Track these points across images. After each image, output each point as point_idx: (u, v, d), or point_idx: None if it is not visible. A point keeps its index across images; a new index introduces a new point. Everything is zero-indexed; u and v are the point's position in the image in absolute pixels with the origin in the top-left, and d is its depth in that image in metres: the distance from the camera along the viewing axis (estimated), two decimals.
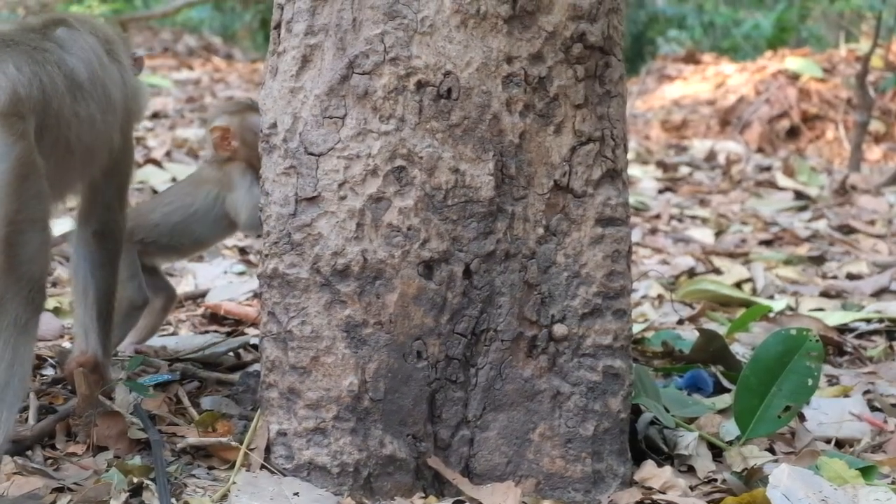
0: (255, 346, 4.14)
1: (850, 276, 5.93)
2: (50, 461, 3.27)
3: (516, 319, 3.32)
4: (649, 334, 4.59)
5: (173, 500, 3.09)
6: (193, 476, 3.25)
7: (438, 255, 3.28)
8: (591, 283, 3.35)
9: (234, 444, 3.36)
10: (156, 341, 4.15)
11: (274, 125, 3.36)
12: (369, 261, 3.27)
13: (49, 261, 2.95)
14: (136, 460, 3.24)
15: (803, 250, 6.38)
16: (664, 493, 3.30)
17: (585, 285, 3.35)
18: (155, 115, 8.64)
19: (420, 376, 3.30)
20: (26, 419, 3.38)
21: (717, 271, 5.82)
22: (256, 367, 3.65)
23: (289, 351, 3.32)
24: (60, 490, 3.11)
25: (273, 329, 3.35)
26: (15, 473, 3.12)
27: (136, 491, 3.10)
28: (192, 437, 3.39)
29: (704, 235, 6.59)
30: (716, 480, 3.40)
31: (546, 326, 3.34)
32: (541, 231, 3.33)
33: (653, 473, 3.38)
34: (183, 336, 4.31)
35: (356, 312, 3.28)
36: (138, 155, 7.20)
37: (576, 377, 3.36)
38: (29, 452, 3.26)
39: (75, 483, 3.14)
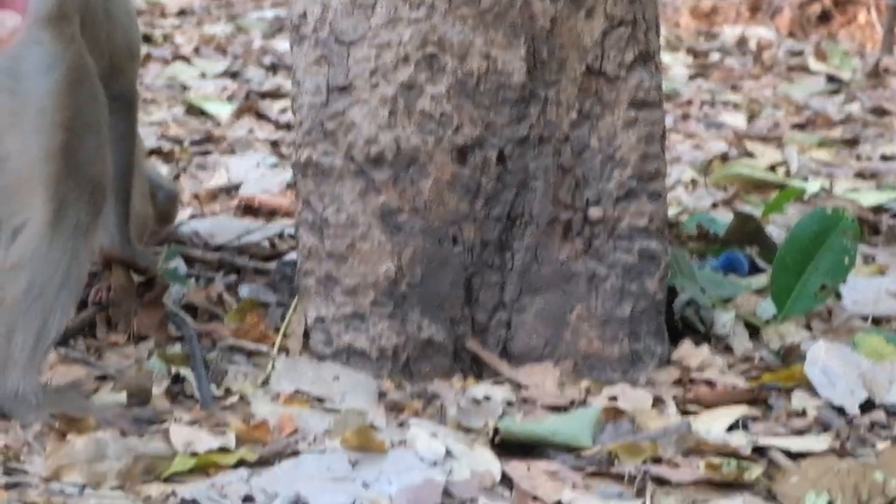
0: (290, 236, 4.15)
1: (884, 158, 5.88)
2: (91, 350, 3.31)
3: (551, 203, 3.33)
4: (684, 218, 4.58)
5: (214, 385, 3.12)
6: (234, 363, 3.28)
7: (472, 141, 3.28)
8: (626, 166, 3.34)
9: (272, 331, 3.39)
10: (188, 227, 4.16)
11: (304, 15, 3.35)
12: (403, 148, 3.27)
13: (108, 162, 2.95)
14: (177, 348, 3.27)
15: (836, 133, 6.33)
16: (702, 371, 3.32)
17: (620, 168, 3.35)
18: (182, 13, 8.61)
19: (456, 261, 3.31)
20: None
21: (750, 155, 5.79)
22: (293, 255, 3.67)
23: (325, 238, 3.33)
24: (103, 378, 3.15)
25: (309, 217, 3.36)
26: (58, 363, 3.15)
27: (178, 379, 3.13)
28: (232, 325, 3.41)
29: (737, 120, 6.54)
30: (753, 359, 3.41)
31: (581, 210, 3.34)
32: (574, 115, 3.32)
33: (690, 353, 3.40)
34: (218, 219, 4.33)
35: (391, 199, 3.28)
36: (166, 52, 7.18)
37: (612, 259, 3.36)
38: (71, 342, 3.30)
39: (117, 371, 3.18)
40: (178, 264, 3.76)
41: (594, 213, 3.35)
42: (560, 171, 3.33)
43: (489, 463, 2.80)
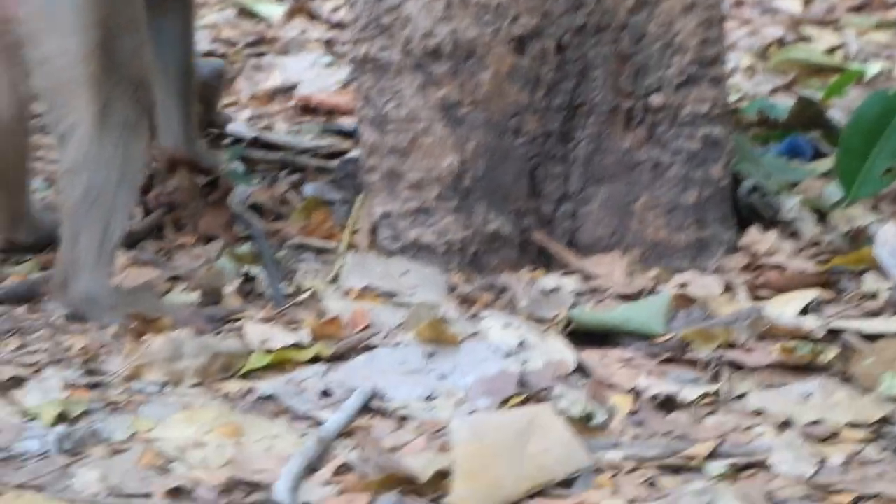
0: (350, 134, 4.14)
1: None
2: (161, 253, 3.32)
3: (611, 92, 3.30)
4: (743, 104, 4.54)
5: (284, 283, 3.13)
6: (303, 261, 3.29)
7: (529, 31, 3.25)
8: (686, 52, 3.31)
9: (338, 228, 3.39)
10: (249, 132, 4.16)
11: None
12: (460, 40, 3.25)
13: (149, 61, 2.94)
14: (245, 248, 3.28)
15: (894, 15, 6.25)
16: (770, 256, 3.30)
17: (679, 54, 3.31)
18: None
19: (519, 153, 3.30)
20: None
21: (807, 40, 5.72)
22: (355, 153, 3.66)
23: (387, 134, 3.32)
24: (174, 279, 3.16)
25: (369, 113, 3.35)
26: (128, 266, 3.17)
27: (248, 278, 3.14)
28: (298, 224, 3.42)
29: (792, 5, 6.45)
30: (821, 243, 3.38)
31: (642, 97, 3.31)
32: (630, 2, 3.28)
33: (757, 238, 3.37)
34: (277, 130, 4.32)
35: (451, 92, 3.27)
36: None
37: (675, 146, 3.34)
38: (139, 246, 3.31)
39: (188, 272, 3.19)
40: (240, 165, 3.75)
41: (655, 100, 3.32)
42: (619, 59, 3.30)
43: (563, 352, 2.80)
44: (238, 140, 4.02)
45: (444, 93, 3.26)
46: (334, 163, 3.81)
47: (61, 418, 2.41)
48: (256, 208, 3.56)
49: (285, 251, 3.31)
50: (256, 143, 4.06)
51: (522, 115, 3.29)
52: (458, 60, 3.25)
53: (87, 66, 2.80)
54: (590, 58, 3.28)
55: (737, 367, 2.80)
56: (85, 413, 2.45)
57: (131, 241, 3.21)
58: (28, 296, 3.01)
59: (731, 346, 2.87)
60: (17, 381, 2.58)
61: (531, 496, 2.25)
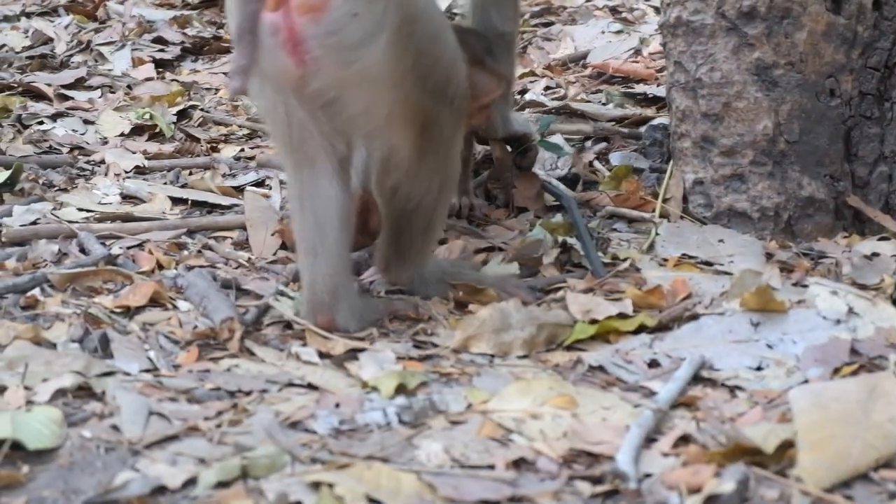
0: (652, 100, 4.11)
1: None
2: (476, 223, 3.35)
3: None
4: None
5: (600, 253, 3.12)
6: (615, 230, 3.28)
7: None
8: None
9: (649, 196, 3.37)
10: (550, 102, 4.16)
11: None
12: (775, 0, 3.18)
13: (462, 69, 2.88)
14: (558, 218, 3.28)
15: None
16: None
17: None
18: None
19: (834, 114, 3.22)
20: None
21: None
22: (660, 120, 3.63)
23: (699, 99, 3.28)
24: (490, 250, 3.18)
25: (681, 79, 3.31)
26: (446, 237, 3.20)
27: (564, 247, 3.14)
28: (609, 192, 3.41)
29: None
30: None
31: None
32: None
33: None
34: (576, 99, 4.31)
35: (765, 54, 3.20)
36: None
37: None
38: (454, 218, 3.35)
39: (503, 242, 3.21)
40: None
41: None
42: None
43: (893, 319, 2.71)
44: (543, 110, 4.02)
45: (758, 55, 3.20)
46: (640, 130, 3.78)
47: (400, 390, 2.45)
48: (566, 179, 3.56)
49: (597, 221, 3.30)
50: (560, 112, 4.05)
51: (838, 75, 3.21)
52: (773, 21, 3.19)
53: (404, 109, 2.76)
54: None
55: None
56: (422, 384, 2.48)
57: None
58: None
59: None
60: (351, 354, 2.62)
61: (878, 467, 2.19)
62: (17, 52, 4.96)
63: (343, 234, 2.79)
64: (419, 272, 2.95)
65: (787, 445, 2.20)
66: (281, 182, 3.54)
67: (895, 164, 3.25)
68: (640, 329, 2.74)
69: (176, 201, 3.50)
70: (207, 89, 4.43)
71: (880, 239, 3.18)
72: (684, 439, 2.30)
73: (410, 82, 2.73)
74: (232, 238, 3.26)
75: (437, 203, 2.91)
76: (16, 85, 4.49)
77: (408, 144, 2.81)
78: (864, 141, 3.25)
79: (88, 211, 3.43)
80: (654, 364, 2.62)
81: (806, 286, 2.85)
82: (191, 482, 2.13)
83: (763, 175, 3.24)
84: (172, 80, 4.53)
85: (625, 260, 3.07)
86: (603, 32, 5.05)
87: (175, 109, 4.17)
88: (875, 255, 3.09)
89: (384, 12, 2.60)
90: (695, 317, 2.76)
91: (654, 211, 3.30)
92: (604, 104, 4.18)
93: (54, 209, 3.42)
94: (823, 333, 2.67)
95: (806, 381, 2.51)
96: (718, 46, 3.24)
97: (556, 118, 3.94)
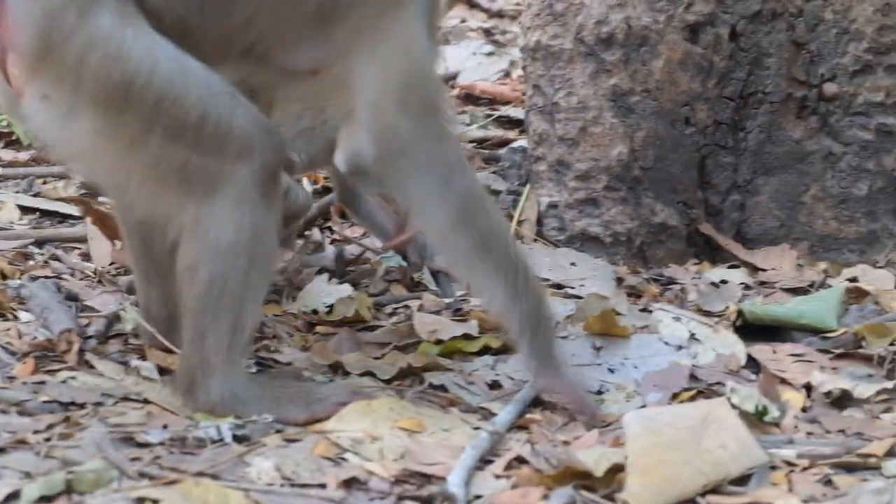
0: (515, 123, 4.13)
1: None
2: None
3: (784, 80, 3.25)
4: None
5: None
6: None
7: (703, 18, 3.21)
8: (861, 39, 3.24)
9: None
10: None
11: None
12: (633, 27, 3.21)
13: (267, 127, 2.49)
14: None
15: None
16: None
17: (855, 41, 3.24)
18: None
19: (689, 142, 3.26)
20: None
21: None
22: (520, 142, 3.65)
23: (556, 123, 3.30)
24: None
25: (539, 102, 3.33)
26: None
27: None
28: None
29: None
30: None
31: (815, 86, 3.25)
32: None
33: None
34: None
35: (622, 81, 3.24)
36: None
37: (848, 136, 3.27)
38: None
39: None
40: None
41: (829, 88, 3.26)
42: (794, 46, 3.24)
43: (734, 346, 2.76)
44: None
45: (615, 81, 3.24)
46: (500, 152, 3.79)
47: None
48: None
49: None
50: None
51: (693, 104, 3.25)
52: (631, 48, 3.22)
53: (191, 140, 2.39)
54: (763, 45, 3.24)
55: None
56: None
57: None
58: None
59: None
60: None
61: (705, 493, 2.21)
62: None
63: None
64: (235, 393, 2.45)
65: (617, 469, 2.21)
66: None
67: (748, 193, 3.30)
68: (485, 350, 2.75)
69: (27, 210, 3.46)
70: None
71: (730, 267, 3.23)
72: (518, 461, 2.30)
73: (155, 143, 2.38)
74: (80, 249, 3.22)
75: (246, 291, 2.44)
76: None
77: (180, 210, 2.42)
78: (718, 169, 3.29)
79: None
80: (495, 385, 2.63)
81: (652, 312, 2.88)
82: (14, 496, 2.09)
83: (617, 200, 3.27)
84: None
85: None
86: (474, 54, 5.06)
87: None
88: (723, 282, 3.13)
89: (75, 88, 2.35)
90: None
91: None
92: (467, 125, 4.19)
93: None
94: (664, 359, 2.70)
95: (644, 406, 2.53)
96: (576, 71, 3.26)
97: None
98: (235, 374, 2.44)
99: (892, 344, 2.79)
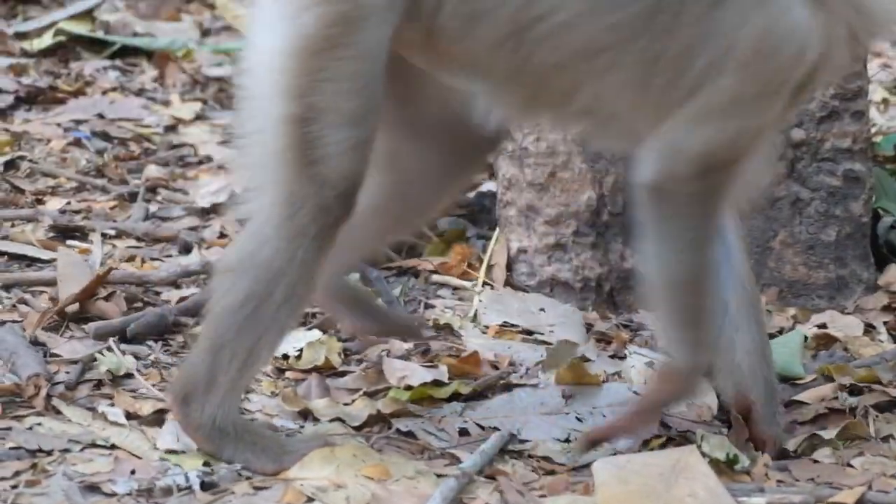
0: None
1: None
2: None
3: None
4: (878, 139, 4.45)
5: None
6: (440, 297, 3.28)
7: None
8: (828, 86, 3.25)
9: (474, 264, 3.38)
10: None
11: None
12: None
13: (362, 166, 2.45)
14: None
15: None
16: None
17: (821, 88, 3.26)
18: None
19: None
20: None
21: None
22: (489, 186, 3.65)
23: (525, 168, 3.31)
24: None
25: (508, 147, 3.34)
26: None
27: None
28: (434, 259, 3.40)
29: None
30: None
31: (783, 132, 3.27)
32: None
33: None
34: None
35: None
36: None
37: (815, 182, 3.29)
38: None
39: None
40: None
41: (796, 134, 3.28)
42: None
43: (705, 394, 2.75)
44: None
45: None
46: (469, 196, 3.79)
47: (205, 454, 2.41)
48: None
49: (422, 286, 3.30)
50: None
51: None
52: None
53: (281, 154, 2.36)
54: None
55: (882, 409, 2.74)
56: None
57: None
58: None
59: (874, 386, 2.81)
60: (160, 415, 2.57)
61: None
62: None
63: None
64: (223, 426, 2.41)
65: None
66: (103, 237, 3.49)
67: None
68: (454, 397, 2.74)
69: None
70: (38, 140, 4.35)
71: None
72: None
73: (295, 127, 2.37)
74: (48, 293, 3.20)
75: (275, 321, 2.40)
76: None
77: (266, 219, 2.39)
78: None
79: None
80: (464, 432, 2.62)
81: (623, 357, 2.88)
82: None
83: (586, 245, 3.27)
84: (3, 129, 4.45)
85: (444, 327, 3.07)
86: None
87: (2, 159, 4.10)
88: None
89: None
90: (508, 387, 2.78)
91: (477, 278, 3.32)
92: None
93: None
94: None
95: (614, 454, 2.53)
96: None
97: None
98: (232, 405, 2.40)
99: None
